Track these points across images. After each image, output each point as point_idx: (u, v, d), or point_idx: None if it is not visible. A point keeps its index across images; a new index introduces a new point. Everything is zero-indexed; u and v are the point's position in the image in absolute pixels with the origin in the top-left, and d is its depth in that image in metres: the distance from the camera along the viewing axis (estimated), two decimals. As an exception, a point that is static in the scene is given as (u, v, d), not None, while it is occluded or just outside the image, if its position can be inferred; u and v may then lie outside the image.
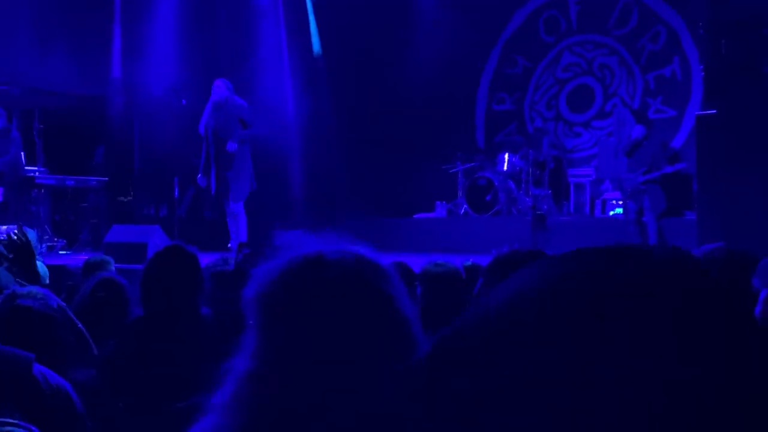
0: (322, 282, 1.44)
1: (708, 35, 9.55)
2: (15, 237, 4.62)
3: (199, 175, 11.71)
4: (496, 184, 14.45)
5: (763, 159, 8.99)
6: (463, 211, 14.90)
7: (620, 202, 13.95)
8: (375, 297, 1.45)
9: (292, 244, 1.53)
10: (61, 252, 12.49)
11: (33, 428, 2.05)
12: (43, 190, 12.84)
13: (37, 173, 12.89)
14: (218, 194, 11.57)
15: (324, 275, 1.45)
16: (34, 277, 4.57)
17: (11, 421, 2.00)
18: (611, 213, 14.12)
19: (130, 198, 14.70)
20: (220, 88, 11.48)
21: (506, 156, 14.76)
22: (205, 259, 4.78)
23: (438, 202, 15.39)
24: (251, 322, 1.46)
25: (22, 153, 12.60)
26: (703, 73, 10.21)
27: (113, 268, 5.88)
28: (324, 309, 1.42)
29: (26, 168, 12.72)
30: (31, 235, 5.68)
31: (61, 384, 2.50)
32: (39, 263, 4.89)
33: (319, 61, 15.93)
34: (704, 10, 9.78)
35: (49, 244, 12.30)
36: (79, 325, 3.94)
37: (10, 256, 4.62)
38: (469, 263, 5.49)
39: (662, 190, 12.03)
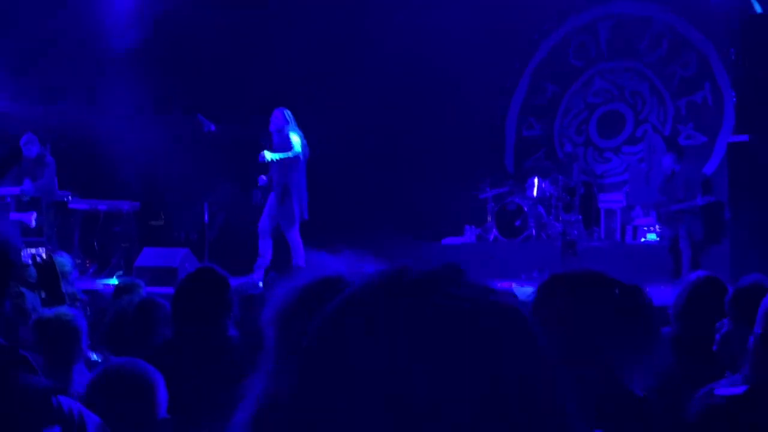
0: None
1: (739, 61, 9.51)
2: (39, 259, 4.66)
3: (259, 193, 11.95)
4: (526, 209, 14.41)
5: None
6: (492, 236, 14.87)
7: (652, 228, 13.89)
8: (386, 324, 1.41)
9: (313, 266, 1.51)
10: (92, 276, 12.58)
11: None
12: (75, 215, 12.95)
13: (69, 198, 13.00)
14: (271, 217, 11.69)
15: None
16: (60, 300, 4.61)
17: None
18: (642, 239, 14.05)
19: (161, 222, 14.79)
20: (278, 117, 11.71)
21: (536, 181, 14.73)
22: (236, 284, 4.81)
23: (467, 227, 15.37)
24: (269, 342, 1.45)
25: (56, 178, 12.72)
26: (734, 100, 10.17)
27: (144, 292, 5.91)
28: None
29: (59, 192, 12.84)
30: (66, 259, 5.73)
31: (82, 413, 2.51)
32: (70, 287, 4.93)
33: (353, 82, 16.00)
34: (735, 36, 9.75)
35: (80, 268, 12.39)
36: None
37: (32, 279, 4.66)
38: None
39: (698, 219, 11.99)
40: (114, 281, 10.20)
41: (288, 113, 11.86)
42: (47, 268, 4.65)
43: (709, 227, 12.95)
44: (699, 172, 13.47)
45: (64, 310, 4.20)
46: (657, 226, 13.83)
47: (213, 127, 12.20)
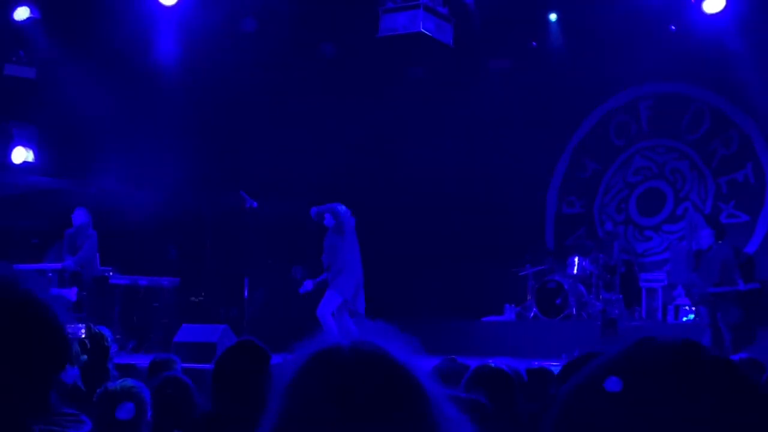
0: (332, 375, 1.41)
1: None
2: (90, 337, 4.70)
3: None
4: (566, 287, 14.33)
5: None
6: (532, 314, 14.77)
7: (693, 308, 13.73)
8: (389, 393, 1.41)
9: (330, 336, 1.52)
10: (132, 351, 12.62)
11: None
12: (116, 290, 13.04)
13: (110, 272, 13.11)
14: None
15: (334, 367, 1.42)
16: (105, 375, 4.63)
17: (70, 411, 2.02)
18: (684, 319, 13.89)
19: (201, 298, 14.86)
20: (320, 214, 11.77)
21: (576, 259, 14.67)
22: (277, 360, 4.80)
23: (507, 305, 15.29)
24: (274, 410, 1.45)
25: (98, 252, 12.84)
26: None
27: (179, 368, 5.92)
28: (333, 402, 1.40)
29: (100, 267, 12.95)
30: (106, 333, 5.77)
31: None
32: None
33: (391, 158, 16.15)
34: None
35: (120, 343, 12.44)
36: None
37: (84, 357, 4.70)
38: (533, 367, 5.42)
39: (734, 305, 11.88)
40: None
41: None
42: (96, 343, 4.68)
43: (746, 312, 12.84)
44: (737, 254, 13.26)
45: (129, 381, 4.23)
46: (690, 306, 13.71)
47: (255, 204, 12.24)
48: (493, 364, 4.39)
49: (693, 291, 12.17)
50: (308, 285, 11.76)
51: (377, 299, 14.78)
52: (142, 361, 9.54)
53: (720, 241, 12.34)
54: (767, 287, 12.53)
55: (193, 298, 14.72)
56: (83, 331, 4.76)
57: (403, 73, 16.10)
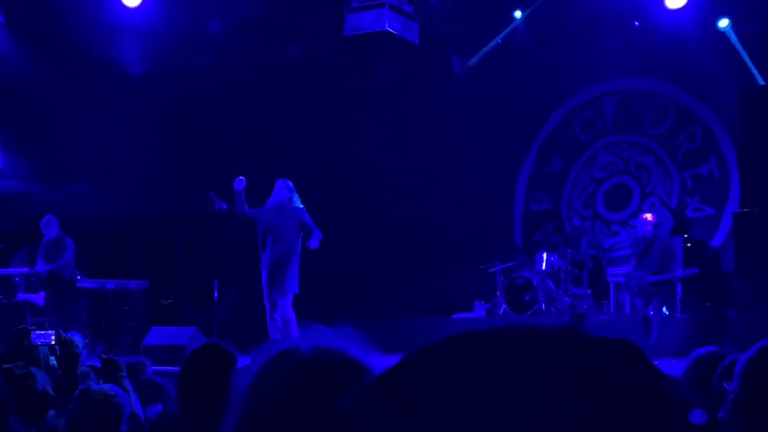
0: (291, 381, 1.42)
1: (743, 134, 9.58)
2: (60, 344, 4.68)
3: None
4: (535, 283, 14.40)
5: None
6: (502, 310, 14.83)
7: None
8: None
9: (287, 341, 1.53)
10: (100, 355, 12.55)
11: None
12: (84, 294, 12.98)
13: (78, 277, 13.04)
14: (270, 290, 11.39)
15: (293, 369, 1.43)
16: (75, 382, 4.61)
17: None
18: (652, 312, 13.97)
19: (170, 301, 14.81)
20: (282, 189, 11.38)
21: (545, 255, 14.73)
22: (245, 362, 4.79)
23: (476, 302, 15.34)
24: (236, 413, 1.46)
25: (74, 260, 12.78)
26: (739, 172, 10.23)
27: (149, 371, 5.91)
28: (293, 403, 1.41)
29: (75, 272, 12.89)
30: (77, 339, 5.73)
31: None
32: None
33: (359, 157, 16.16)
34: (738, 109, 9.83)
35: (89, 347, 12.37)
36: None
37: (54, 363, 4.67)
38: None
39: (670, 292, 11.93)
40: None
41: (290, 183, 11.59)
42: (66, 349, 4.66)
43: (686, 299, 13.01)
44: (700, 247, 13.32)
45: (109, 387, 4.22)
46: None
47: (224, 206, 12.17)
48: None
49: (631, 283, 12.18)
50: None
51: (347, 298, 14.81)
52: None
53: (659, 230, 12.29)
54: (726, 277, 12.65)
55: (162, 301, 14.66)
56: (53, 337, 4.73)
57: (370, 72, 16.10)
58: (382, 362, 1.54)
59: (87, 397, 4.05)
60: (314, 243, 11.37)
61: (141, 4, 13.53)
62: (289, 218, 11.33)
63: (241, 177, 11.25)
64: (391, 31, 13.35)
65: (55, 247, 12.59)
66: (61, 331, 4.94)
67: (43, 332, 4.91)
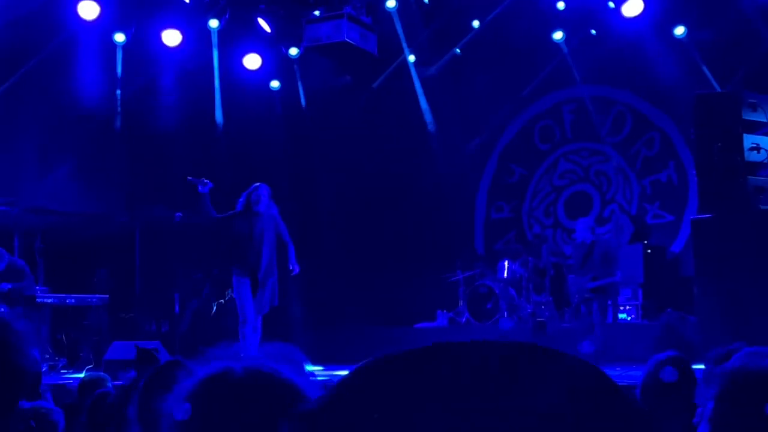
0: (223, 403, 1.39)
1: (699, 140, 9.67)
2: None
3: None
4: (497, 291, 14.45)
5: (760, 260, 9.03)
6: (464, 319, 14.86)
7: (623, 308, 13.93)
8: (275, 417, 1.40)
9: (220, 357, 1.50)
10: (62, 371, 12.43)
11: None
12: (44, 309, 12.84)
13: (38, 292, 12.89)
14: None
15: (225, 394, 1.41)
16: (36, 396, 4.56)
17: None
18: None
19: (131, 315, 14.69)
20: (264, 193, 10.79)
21: (506, 263, 14.79)
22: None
23: (439, 311, 15.35)
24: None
25: (32, 275, 12.61)
26: (696, 178, 10.32)
27: (110, 386, 5.85)
28: (228, 424, 1.39)
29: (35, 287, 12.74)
30: (35, 355, 5.67)
31: None
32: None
33: (320, 167, 16.14)
34: (693, 115, 9.93)
35: (50, 363, 12.25)
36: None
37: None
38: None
39: (612, 297, 11.90)
40: (82, 375, 10.08)
41: (270, 189, 11.01)
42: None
43: (648, 304, 13.08)
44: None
45: (42, 403, 4.16)
46: (627, 306, 13.90)
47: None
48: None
49: (572, 290, 12.16)
50: None
51: (309, 308, 14.79)
52: (73, 380, 9.42)
53: (599, 235, 12.19)
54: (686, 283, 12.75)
55: (123, 315, 14.54)
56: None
57: (331, 81, 16.11)
58: (313, 381, 1.53)
59: (18, 416, 4.00)
60: (295, 267, 10.93)
61: (98, 18, 13.42)
62: (270, 225, 10.78)
63: (205, 179, 10.69)
64: (350, 41, 13.39)
65: (9, 273, 12.42)
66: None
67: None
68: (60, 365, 12.62)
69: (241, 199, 10.93)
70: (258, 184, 10.96)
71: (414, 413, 0.85)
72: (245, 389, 1.41)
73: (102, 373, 6.60)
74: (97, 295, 13.85)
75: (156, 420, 3.81)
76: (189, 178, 10.92)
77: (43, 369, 11.29)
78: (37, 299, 12.69)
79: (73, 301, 13.41)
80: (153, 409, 3.93)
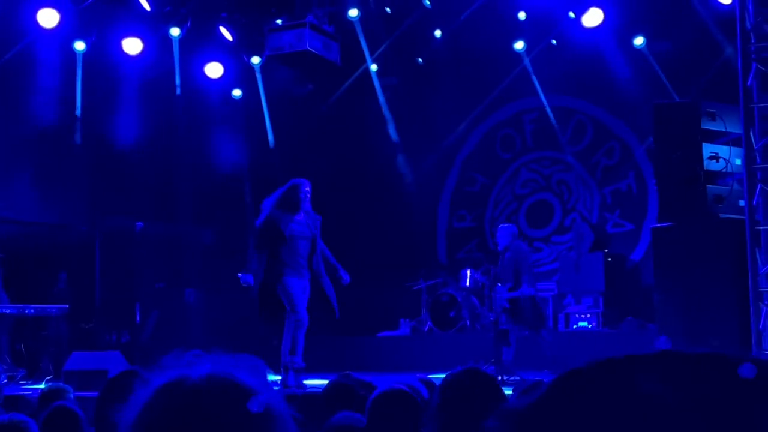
0: (181, 411, 1.36)
1: (658, 150, 9.77)
2: None
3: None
4: (459, 300, 14.48)
5: (718, 269, 9.13)
6: (427, 327, 14.89)
7: (584, 316, 14.02)
8: (234, 425, 1.37)
9: (173, 365, 1.48)
10: (21, 382, 12.30)
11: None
12: (2, 320, 12.70)
13: (-4, 302, 12.77)
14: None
15: (184, 403, 1.38)
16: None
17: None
18: (575, 326, 14.17)
19: (91, 325, 14.57)
20: (307, 192, 10.24)
21: (468, 272, 14.83)
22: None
23: (402, 320, 15.37)
24: None
25: None
26: (656, 187, 10.41)
27: (72, 397, 5.80)
28: None
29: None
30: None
31: None
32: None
33: (282, 178, 16.09)
34: (653, 125, 10.02)
35: (9, 374, 12.12)
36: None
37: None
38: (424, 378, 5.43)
39: (521, 310, 11.77)
40: (42, 386, 9.99)
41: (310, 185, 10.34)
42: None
43: (608, 312, 13.16)
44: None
45: (16, 416, 4.11)
46: (588, 314, 14.00)
47: (140, 225, 11.80)
48: (396, 386, 4.34)
49: (493, 297, 12.03)
50: None
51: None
52: (33, 391, 9.34)
53: (516, 240, 12.03)
54: (646, 291, 12.85)
55: (83, 325, 14.42)
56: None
57: (293, 90, 16.09)
58: (271, 387, 1.52)
59: None
60: (345, 277, 10.73)
61: (57, 26, 13.32)
62: (314, 227, 10.32)
63: (243, 277, 10.27)
64: (312, 50, 13.38)
65: None
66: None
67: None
68: (19, 376, 12.49)
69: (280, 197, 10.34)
70: (302, 180, 10.45)
71: (629, 422, 0.85)
72: (202, 396, 1.40)
73: (63, 384, 6.54)
74: (57, 305, 13.72)
75: (115, 429, 3.78)
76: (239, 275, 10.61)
77: (2, 380, 11.18)
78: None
79: (32, 311, 13.27)
80: (109, 420, 3.91)
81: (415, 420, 4.21)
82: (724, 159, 9.34)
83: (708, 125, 9.39)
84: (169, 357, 1.52)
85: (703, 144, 9.33)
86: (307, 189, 10.16)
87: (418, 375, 5.86)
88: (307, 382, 10.20)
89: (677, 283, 9.36)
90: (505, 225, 12.15)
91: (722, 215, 9.28)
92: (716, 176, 9.39)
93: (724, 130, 9.43)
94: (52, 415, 4.48)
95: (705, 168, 9.28)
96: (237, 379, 1.41)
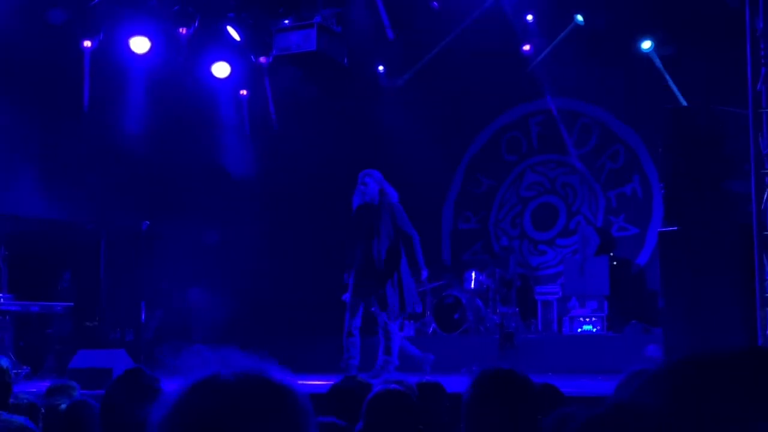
0: (216, 410, 1.36)
1: (666, 154, 9.75)
2: None
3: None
4: (464, 302, 14.47)
5: (725, 274, 9.11)
6: (431, 329, 14.88)
7: (588, 319, 14.01)
8: (275, 425, 1.37)
9: (197, 363, 1.46)
10: (25, 379, 12.30)
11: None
12: (7, 317, 12.71)
13: (1, 300, 12.77)
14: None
15: (219, 401, 1.37)
16: (6, 410, 4.50)
17: None
18: (579, 330, 14.16)
19: (96, 323, 14.57)
20: (369, 185, 10.59)
21: (473, 274, 14.83)
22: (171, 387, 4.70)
23: (406, 321, 15.33)
24: None
25: None
26: (663, 191, 10.39)
27: (78, 394, 5.79)
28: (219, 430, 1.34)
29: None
30: (4, 362, 5.59)
31: None
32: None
33: (289, 179, 16.12)
34: (662, 128, 10.01)
35: (14, 371, 12.11)
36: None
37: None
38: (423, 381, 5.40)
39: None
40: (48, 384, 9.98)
41: (379, 173, 10.55)
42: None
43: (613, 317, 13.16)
44: (629, 266, 13.39)
45: (17, 418, 4.10)
46: (592, 318, 13.99)
47: (146, 224, 11.87)
48: (391, 387, 4.34)
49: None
50: None
51: (276, 318, 14.75)
52: (38, 387, 9.32)
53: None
54: (651, 296, 12.85)
55: (87, 323, 14.42)
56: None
57: (300, 91, 16.08)
58: (300, 385, 1.51)
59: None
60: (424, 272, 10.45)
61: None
62: (385, 217, 10.37)
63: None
64: (320, 51, 13.37)
65: None
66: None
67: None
68: (23, 374, 12.49)
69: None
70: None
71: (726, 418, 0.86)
72: (235, 393, 1.38)
73: (70, 381, 6.52)
74: (62, 303, 13.74)
75: (121, 427, 3.78)
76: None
77: (23, 372, 11.20)
78: (0, 307, 12.57)
79: (36, 308, 13.29)
80: (117, 416, 3.90)
81: (411, 420, 4.20)
82: (732, 163, 9.33)
83: (716, 130, 9.38)
84: (187, 354, 1.51)
85: (712, 148, 9.32)
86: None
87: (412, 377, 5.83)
88: (310, 383, 10.17)
89: (684, 287, 9.33)
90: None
91: (730, 220, 9.26)
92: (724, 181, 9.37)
93: (732, 134, 9.42)
94: (72, 409, 4.47)
95: (713, 172, 9.26)
96: (269, 376, 1.40)
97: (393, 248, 9.99)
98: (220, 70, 15.02)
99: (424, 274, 10.31)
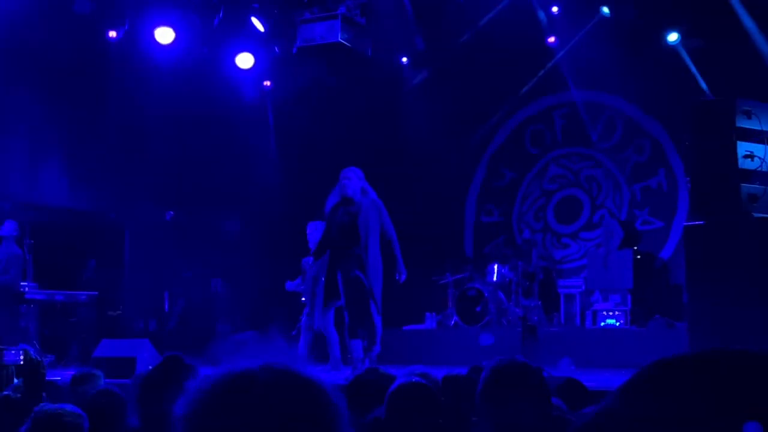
0: (247, 406, 1.33)
1: (693, 148, 9.68)
2: (27, 362, 4.60)
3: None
4: (486, 294, 14.44)
5: (751, 269, 9.04)
6: (453, 322, 14.85)
7: (611, 313, 13.95)
8: (306, 423, 1.35)
9: (233, 351, 1.46)
10: (49, 367, 12.37)
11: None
12: (32, 306, 12.79)
13: (26, 288, 12.85)
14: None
15: (249, 397, 1.35)
16: (38, 398, 4.53)
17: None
18: (602, 324, 14.10)
19: (119, 312, 14.65)
20: (351, 180, 10.51)
21: (496, 267, 14.79)
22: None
23: (428, 313, 15.33)
24: None
25: (20, 270, 12.54)
26: (688, 185, 10.32)
27: (102, 383, 5.82)
28: (251, 426, 1.31)
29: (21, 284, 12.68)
30: (42, 360, 5.63)
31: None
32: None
33: (311, 168, 16.14)
34: (688, 122, 9.94)
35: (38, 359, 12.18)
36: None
37: (19, 381, 4.59)
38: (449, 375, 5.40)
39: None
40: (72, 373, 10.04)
41: (360, 171, 10.55)
42: (32, 369, 4.58)
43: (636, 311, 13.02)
44: (652, 260, 13.34)
45: (65, 406, 4.14)
46: (615, 312, 13.93)
47: (170, 214, 11.92)
48: (415, 380, 4.34)
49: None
50: None
51: (297, 311, 14.75)
52: (62, 376, 9.37)
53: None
54: (675, 290, 12.77)
55: (111, 313, 14.50)
56: (21, 357, 4.64)
57: (324, 82, 16.08)
58: (329, 381, 1.50)
59: (40, 418, 3.98)
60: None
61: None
62: (368, 215, 10.40)
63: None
64: (344, 42, 13.36)
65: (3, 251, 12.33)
66: (31, 351, 4.86)
67: (13, 351, 4.82)
68: (47, 362, 12.56)
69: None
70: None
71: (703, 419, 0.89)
72: (262, 387, 1.37)
73: (95, 370, 6.55)
74: (86, 292, 13.82)
75: (157, 415, 3.79)
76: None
77: (48, 360, 11.26)
78: (25, 295, 12.65)
79: (61, 297, 13.37)
80: (153, 404, 3.91)
81: (432, 413, 4.20)
82: (759, 158, 9.25)
83: (743, 123, 9.29)
84: (221, 344, 1.50)
85: (738, 142, 9.23)
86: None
87: (443, 370, 5.82)
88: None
89: (709, 282, 9.27)
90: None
91: (756, 214, 9.19)
92: (751, 175, 9.29)
93: (759, 128, 9.34)
94: (96, 397, 4.49)
95: (739, 167, 9.19)
96: (295, 371, 1.39)
97: (378, 244, 10.00)
98: (244, 61, 15.03)
99: (403, 276, 10.25)
